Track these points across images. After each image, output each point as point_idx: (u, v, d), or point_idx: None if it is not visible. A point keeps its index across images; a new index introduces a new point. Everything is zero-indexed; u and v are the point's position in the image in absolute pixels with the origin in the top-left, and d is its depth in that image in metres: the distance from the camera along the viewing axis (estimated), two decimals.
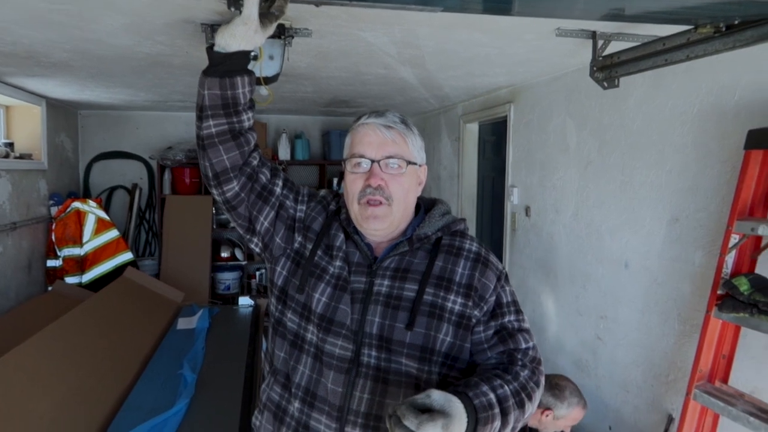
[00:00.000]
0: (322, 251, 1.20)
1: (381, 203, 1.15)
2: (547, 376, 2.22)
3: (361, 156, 1.16)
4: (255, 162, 1.19)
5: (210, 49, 1.13)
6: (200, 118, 1.13)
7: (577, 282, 3.17)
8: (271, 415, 1.19)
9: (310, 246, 1.21)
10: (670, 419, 2.44)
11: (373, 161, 1.16)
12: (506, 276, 1.21)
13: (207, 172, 1.16)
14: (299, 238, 1.22)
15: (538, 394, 1.11)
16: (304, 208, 1.25)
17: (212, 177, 1.16)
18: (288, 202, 1.23)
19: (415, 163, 1.20)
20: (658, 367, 2.56)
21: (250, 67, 1.19)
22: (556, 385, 2.17)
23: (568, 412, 2.14)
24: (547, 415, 2.13)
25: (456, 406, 0.93)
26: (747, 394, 1.99)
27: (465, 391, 0.99)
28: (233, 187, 1.17)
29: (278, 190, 1.22)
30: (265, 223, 1.21)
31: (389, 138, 1.17)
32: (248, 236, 1.24)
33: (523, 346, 1.14)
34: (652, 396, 2.60)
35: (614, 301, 2.86)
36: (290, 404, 1.16)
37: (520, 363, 1.12)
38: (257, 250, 1.26)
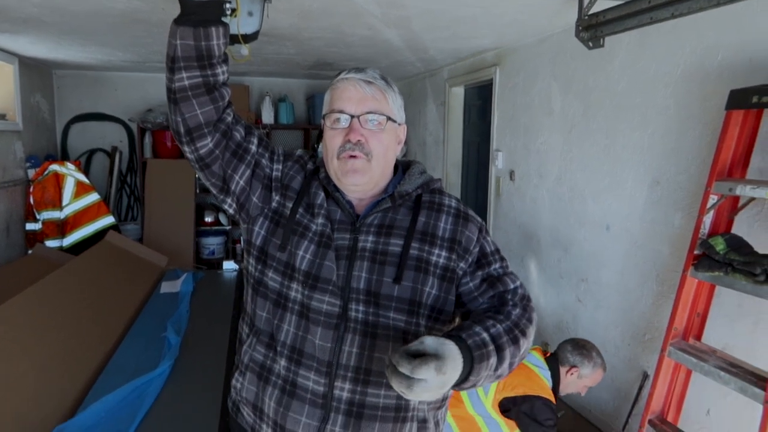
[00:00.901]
0: (303, 209, 1.18)
1: (360, 156, 1.13)
2: (573, 339, 2.29)
3: (341, 111, 1.14)
4: (229, 118, 1.15)
5: None
6: (172, 70, 1.07)
7: (560, 245, 3.20)
8: (255, 376, 1.18)
9: (290, 204, 1.18)
10: (645, 376, 2.51)
11: (352, 116, 1.14)
12: (486, 228, 1.24)
13: (179, 128, 1.11)
14: (277, 197, 1.20)
15: (532, 329, 1.13)
16: (280, 167, 1.22)
17: (184, 133, 1.11)
18: (264, 161, 1.20)
19: (395, 121, 1.19)
20: (636, 327, 2.62)
21: (226, 21, 1.15)
22: (583, 346, 2.22)
23: (593, 372, 2.19)
24: (572, 374, 2.17)
25: (449, 348, 0.94)
26: (719, 351, 2.05)
27: (458, 333, 1.00)
28: (207, 143, 1.12)
29: (253, 148, 1.18)
30: (241, 182, 1.18)
31: (369, 94, 1.15)
32: (222, 196, 1.20)
33: (512, 286, 1.16)
34: (629, 355, 2.66)
35: (595, 264, 2.90)
36: (275, 363, 1.15)
37: (511, 303, 1.13)
38: (230, 211, 1.23)
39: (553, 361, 2.20)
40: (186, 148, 1.14)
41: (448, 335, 0.98)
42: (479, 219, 1.23)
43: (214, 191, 1.21)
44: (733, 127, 1.93)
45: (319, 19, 2.84)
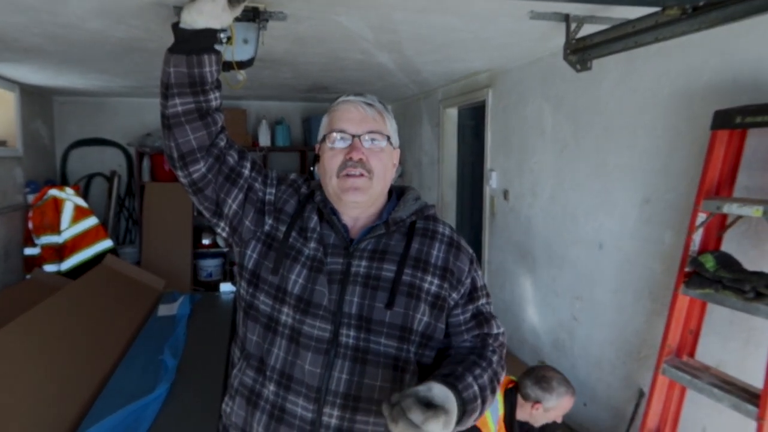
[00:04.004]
0: (297, 233, 1.18)
1: (362, 175, 1.15)
2: (533, 369, 2.20)
3: (342, 131, 1.16)
4: (222, 143, 1.17)
5: (176, 25, 1.11)
6: (165, 96, 1.11)
7: (554, 264, 3.22)
8: (244, 400, 1.18)
9: (283, 228, 1.19)
10: (641, 394, 2.51)
11: (354, 136, 1.16)
12: (476, 259, 1.26)
13: (172, 153, 1.14)
14: (270, 221, 1.21)
15: (503, 375, 1.20)
16: (273, 191, 1.23)
17: (177, 158, 1.13)
18: (257, 185, 1.21)
19: (391, 144, 1.21)
20: (631, 344, 2.63)
21: (222, 50, 1.18)
22: (543, 378, 2.11)
23: (558, 403, 2.10)
24: (537, 409, 2.09)
25: (453, 402, 0.98)
26: (712, 367, 2.06)
27: (455, 383, 1.03)
28: (199, 168, 1.14)
29: (246, 172, 1.20)
30: (234, 206, 1.19)
31: (370, 115, 1.17)
32: (215, 220, 1.22)
33: (495, 331, 1.21)
34: (625, 372, 2.67)
35: (589, 282, 2.92)
36: (265, 388, 1.15)
37: (490, 348, 1.18)
38: (224, 234, 1.24)
39: (512, 393, 2.14)
40: (179, 173, 1.16)
41: (446, 382, 1.02)
42: (471, 250, 1.25)
43: (207, 215, 1.23)
44: (719, 147, 1.98)
45: (313, 45, 2.90)
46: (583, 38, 2.26)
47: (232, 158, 1.19)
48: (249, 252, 1.21)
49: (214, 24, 1.12)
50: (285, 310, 1.15)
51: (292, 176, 1.30)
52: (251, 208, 1.20)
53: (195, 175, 1.15)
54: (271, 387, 1.13)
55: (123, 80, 4.25)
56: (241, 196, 1.19)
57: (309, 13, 2.27)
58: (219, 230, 1.25)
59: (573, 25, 2.30)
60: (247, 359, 1.19)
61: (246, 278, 1.22)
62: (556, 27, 2.42)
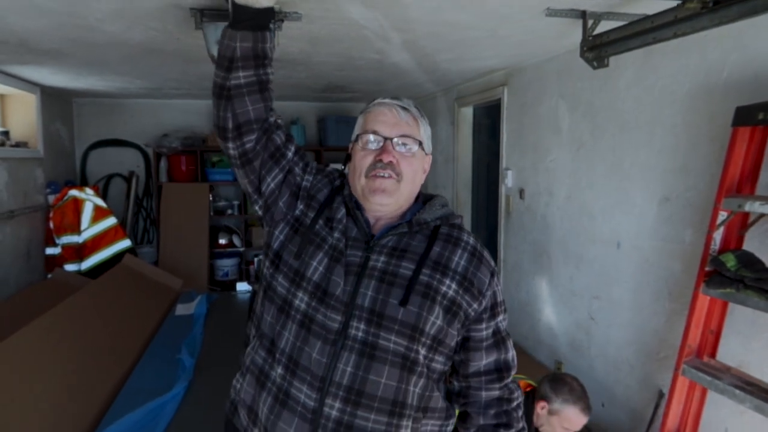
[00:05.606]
0: (323, 221, 1.21)
1: (391, 177, 1.17)
2: (555, 372, 2.18)
3: (375, 132, 1.19)
4: (272, 119, 1.21)
5: (234, 3, 1.13)
6: (229, 69, 1.14)
7: (571, 263, 3.19)
8: (254, 379, 1.20)
9: (311, 214, 1.22)
10: (661, 395, 2.48)
11: (386, 138, 1.18)
12: (497, 273, 1.27)
13: (227, 123, 1.16)
14: (301, 206, 1.24)
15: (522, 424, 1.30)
16: (310, 178, 1.27)
17: (233, 128, 1.16)
18: (297, 169, 1.25)
19: (423, 149, 1.23)
20: (650, 345, 2.60)
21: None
22: (560, 379, 2.08)
23: (562, 408, 2.02)
24: (542, 407, 2.04)
25: None
26: (734, 368, 2.02)
27: None
28: (252, 139, 1.18)
29: (290, 155, 1.24)
30: (272, 185, 1.22)
31: (404, 119, 1.20)
32: (255, 196, 1.25)
33: (510, 354, 1.27)
34: (644, 373, 2.63)
35: (607, 282, 2.89)
36: (273, 369, 1.16)
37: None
38: (259, 212, 1.28)
39: (529, 398, 2.09)
40: (230, 144, 1.19)
41: None
42: (493, 263, 1.26)
43: (250, 189, 1.26)
44: (740, 144, 1.94)
45: (328, 45, 2.91)
46: (600, 35, 2.23)
47: (279, 138, 1.23)
48: (277, 233, 1.24)
49: (272, 2, 1.15)
50: (300, 294, 1.16)
51: (330, 168, 1.34)
52: (287, 191, 1.24)
53: (248, 146, 1.19)
54: (279, 370, 1.15)
55: (141, 82, 4.30)
56: (280, 176, 1.23)
57: (323, 13, 2.27)
58: (257, 207, 1.28)
59: (590, 22, 2.27)
60: (261, 338, 1.22)
61: (270, 258, 1.25)
62: (572, 24, 2.39)
